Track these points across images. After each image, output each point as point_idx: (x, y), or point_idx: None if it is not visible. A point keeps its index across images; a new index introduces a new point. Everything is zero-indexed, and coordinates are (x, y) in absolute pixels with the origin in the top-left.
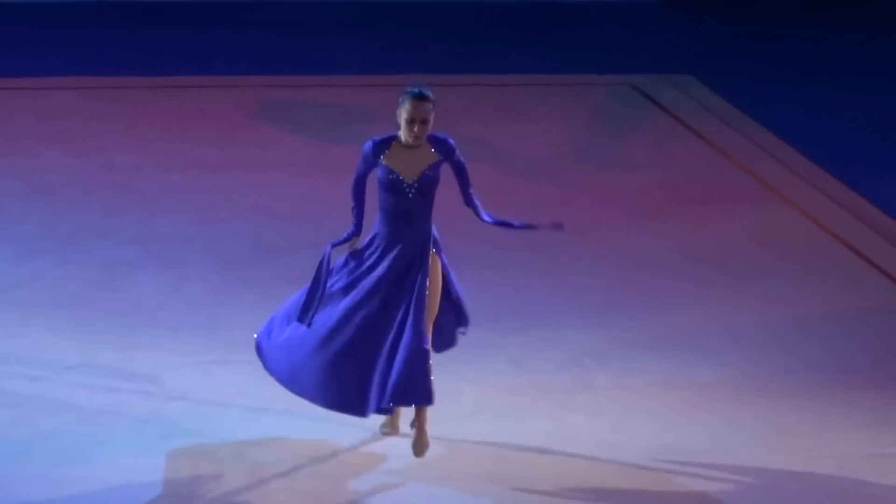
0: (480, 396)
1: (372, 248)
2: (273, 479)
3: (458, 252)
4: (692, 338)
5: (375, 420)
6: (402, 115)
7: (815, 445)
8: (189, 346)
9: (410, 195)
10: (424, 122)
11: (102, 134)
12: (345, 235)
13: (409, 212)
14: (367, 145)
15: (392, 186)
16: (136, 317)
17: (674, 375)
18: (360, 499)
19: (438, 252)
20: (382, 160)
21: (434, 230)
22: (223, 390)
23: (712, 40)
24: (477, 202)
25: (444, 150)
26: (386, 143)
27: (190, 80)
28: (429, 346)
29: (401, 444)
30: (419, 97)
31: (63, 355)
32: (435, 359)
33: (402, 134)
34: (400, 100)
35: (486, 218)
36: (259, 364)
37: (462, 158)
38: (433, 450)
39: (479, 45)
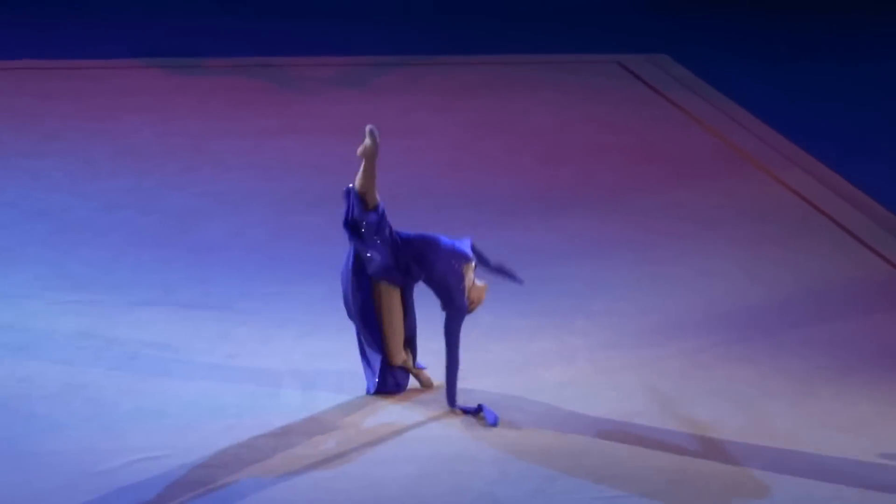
0: (495, 319)
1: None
2: (322, 391)
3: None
4: (666, 273)
5: None
6: (475, 291)
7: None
8: (253, 279)
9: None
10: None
11: (179, 106)
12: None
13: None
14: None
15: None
16: (209, 256)
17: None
18: (404, 405)
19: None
20: None
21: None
22: (281, 317)
23: (689, 21)
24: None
25: None
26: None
27: (251, 60)
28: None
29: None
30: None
31: (148, 288)
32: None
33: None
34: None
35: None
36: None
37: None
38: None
39: (488, 27)
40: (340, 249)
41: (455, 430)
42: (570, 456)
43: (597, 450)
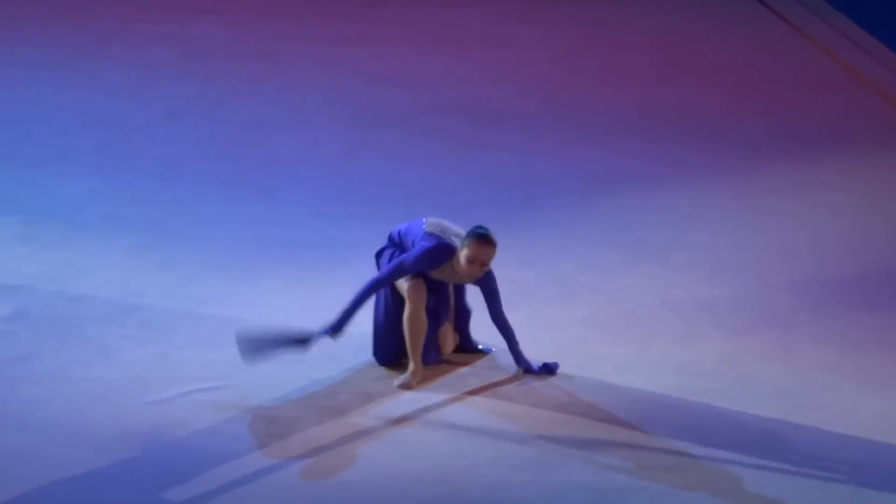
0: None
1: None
2: None
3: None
4: (774, 206)
5: None
6: (465, 252)
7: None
8: (323, 199)
9: (439, 283)
10: (484, 265)
11: (248, 7)
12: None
13: (433, 287)
14: (437, 250)
15: (427, 280)
16: (277, 172)
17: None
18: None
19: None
20: (433, 273)
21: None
22: (353, 239)
23: None
24: (504, 318)
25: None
26: (444, 260)
27: None
28: None
29: None
30: (486, 241)
31: (210, 205)
32: None
33: (461, 263)
34: (465, 235)
35: (502, 331)
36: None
37: (491, 281)
38: None
39: None
40: (418, 168)
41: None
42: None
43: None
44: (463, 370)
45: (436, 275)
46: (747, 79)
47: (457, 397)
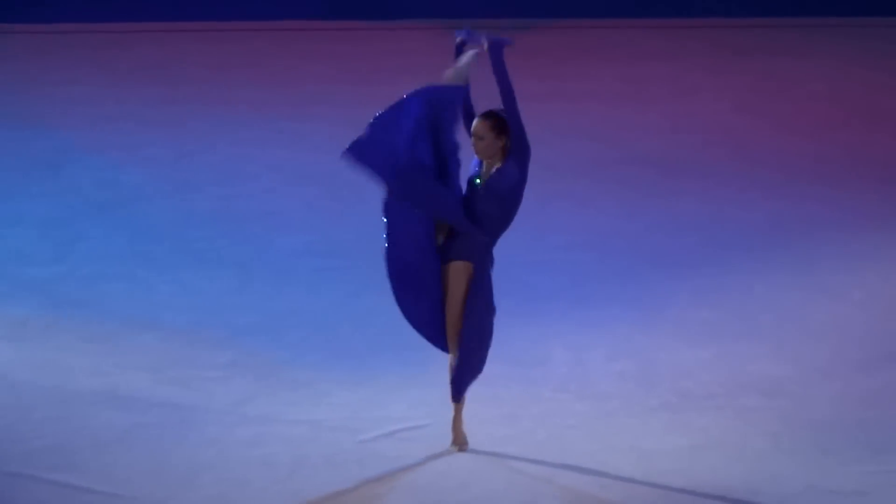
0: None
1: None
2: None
3: None
4: None
5: None
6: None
7: None
8: (519, 247)
9: (478, 194)
10: (481, 139)
11: (438, 66)
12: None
13: (475, 215)
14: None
15: (469, 182)
16: None
17: None
18: None
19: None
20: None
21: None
22: (545, 284)
23: None
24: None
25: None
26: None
27: (506, 22)
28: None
29: None
30: (481, 115)
31: None
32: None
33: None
34: None
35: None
36: None
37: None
38: None
39: None
40: (608, 216)
41: None
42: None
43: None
44: None
45: (483, 169)
46: None
47: None
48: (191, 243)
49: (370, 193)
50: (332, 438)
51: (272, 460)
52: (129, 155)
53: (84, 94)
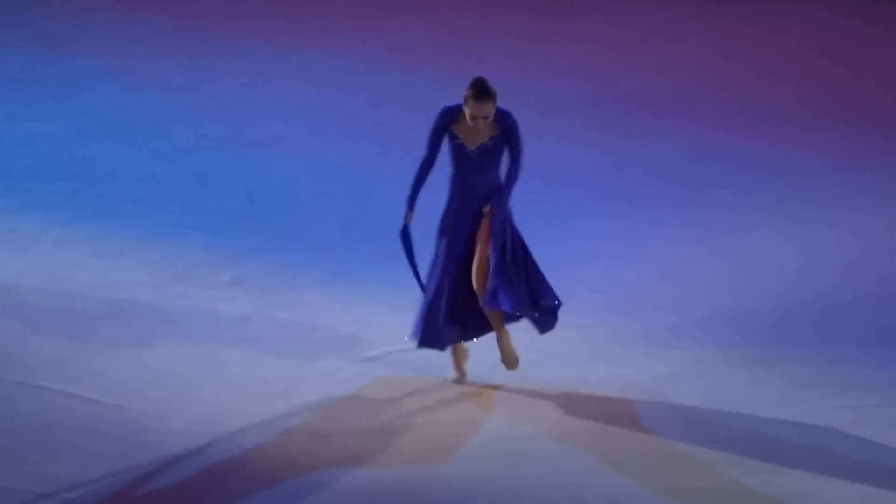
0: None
1: (450, 214)
2: None
3: None
4: None
5: None
6: (467, 110)
7: None
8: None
9: (472, 158)
10: (486, 118)
11: (446, 5)
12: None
13: (473, 169)
14: (440, 113)
15: (455, 150)
16: None
17: None
18: None
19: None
20: (452, 127)
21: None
22: (533, 212)
23: None
24: (511, 179)
25: (506, 124)
26: (455, 114)
27: None
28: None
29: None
30: (479, 99)
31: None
32: None
33: (470, 123)
34: (465, 93)
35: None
36: None
37: (518, 137)
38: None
39: None
40: (602, 153)
41: None
42: None
43: None
44: None
45: (461, 134)
46: None
47: None
48: (199, 166)
49: (369, 124)
50: (327, 358)
51: (269, 377)
52: (143, 80)
53: (102, 22)
